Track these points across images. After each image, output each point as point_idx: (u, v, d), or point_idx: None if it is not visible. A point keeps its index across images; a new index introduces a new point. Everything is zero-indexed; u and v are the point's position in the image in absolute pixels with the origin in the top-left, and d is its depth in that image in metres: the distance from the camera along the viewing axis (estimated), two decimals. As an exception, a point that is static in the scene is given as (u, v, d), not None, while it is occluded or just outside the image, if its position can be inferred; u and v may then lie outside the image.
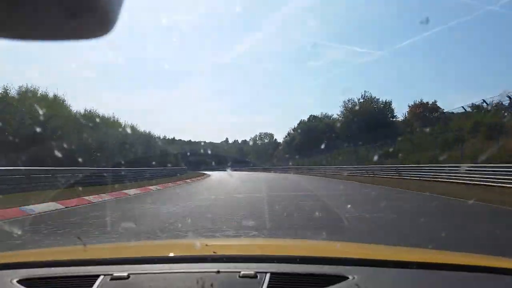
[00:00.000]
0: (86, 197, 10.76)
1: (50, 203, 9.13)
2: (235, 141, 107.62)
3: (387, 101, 46.12)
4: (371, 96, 46.76)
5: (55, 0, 0.49)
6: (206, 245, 1.53)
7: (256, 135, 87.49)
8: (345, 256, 1.30)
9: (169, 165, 32.16)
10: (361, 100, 46.65)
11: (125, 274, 1.09)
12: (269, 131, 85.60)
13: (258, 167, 59.06)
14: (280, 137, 76.59)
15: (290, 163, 48.22)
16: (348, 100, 47.70)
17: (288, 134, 62.74)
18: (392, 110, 45.91)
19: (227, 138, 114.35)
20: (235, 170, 54.77)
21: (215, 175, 35.04)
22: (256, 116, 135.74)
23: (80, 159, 15.36)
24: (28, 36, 0.55)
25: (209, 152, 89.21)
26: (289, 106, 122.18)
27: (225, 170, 50.06)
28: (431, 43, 73.65)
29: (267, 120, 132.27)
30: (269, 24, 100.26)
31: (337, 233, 5.51)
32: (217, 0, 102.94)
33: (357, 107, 45.53)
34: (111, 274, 1.10)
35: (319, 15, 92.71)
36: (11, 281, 1.10)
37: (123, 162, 19.71)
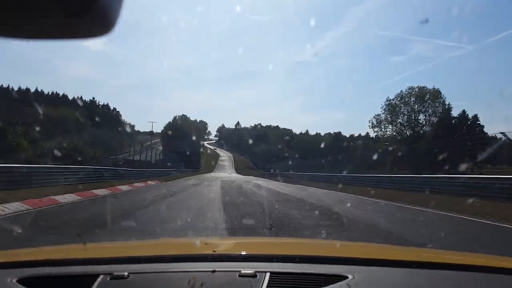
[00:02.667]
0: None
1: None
2: (317, 134, 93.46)
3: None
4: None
5: (56, 0, 0.50)
6: (206, 243, 1.53)
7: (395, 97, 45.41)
8: (344, 255, 1.31)
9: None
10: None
11: (125, 273, 1.09)
12: (345, 128, 56.40)
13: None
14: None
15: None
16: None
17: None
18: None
19: (307, 130, 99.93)
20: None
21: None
22: (333, 113, 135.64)
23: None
24: (29, 35, 0.55)
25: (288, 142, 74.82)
26: (370, 105, 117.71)
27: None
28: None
29: (348, 118, 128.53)
30: (349, 19, 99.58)
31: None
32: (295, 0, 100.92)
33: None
34: (111, 274, 1.09)
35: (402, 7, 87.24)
36: (10, 281, 1.09)
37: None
